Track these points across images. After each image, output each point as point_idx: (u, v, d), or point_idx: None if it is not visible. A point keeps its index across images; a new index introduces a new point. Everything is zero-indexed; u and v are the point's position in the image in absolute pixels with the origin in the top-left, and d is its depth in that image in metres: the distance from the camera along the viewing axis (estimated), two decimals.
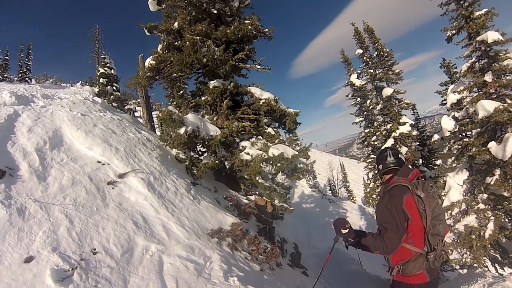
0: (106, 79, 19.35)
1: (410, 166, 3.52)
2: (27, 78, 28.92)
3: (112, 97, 18.43)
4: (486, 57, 8.41)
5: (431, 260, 2.87)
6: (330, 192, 40.94)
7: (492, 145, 8.04)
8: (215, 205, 7.36)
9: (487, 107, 7.84)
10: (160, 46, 9.44)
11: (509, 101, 8.00)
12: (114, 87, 19.52)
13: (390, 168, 3.25)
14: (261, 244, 7.07)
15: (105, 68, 19.60)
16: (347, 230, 3.14)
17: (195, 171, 7.92)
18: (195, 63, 8.71)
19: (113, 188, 5.81)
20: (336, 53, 17.34)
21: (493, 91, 8.22)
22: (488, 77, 8.21)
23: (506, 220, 8.58)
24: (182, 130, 7.47)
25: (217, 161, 8.28)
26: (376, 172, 14.82)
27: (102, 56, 20.27)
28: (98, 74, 19.60)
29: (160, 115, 7.43)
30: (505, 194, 8.16)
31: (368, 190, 17.19)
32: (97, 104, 9.45)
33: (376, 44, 14.07)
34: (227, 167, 8.86)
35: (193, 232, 5.68)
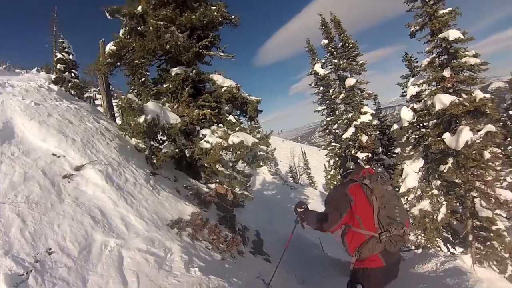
0: (64, 65, 18.23)
1: (363, 165, 3.91)
2: None
3: (70, 84, 17.52)
4: (446, 54, 8.71)
5: (385, 241, 3.10)
6: (291, 179, 41.62)
7: (446, 136, 8.42)
8: (175, 194, 7.31)
9: (443, 100, 8.19)
10: (122, 31, 9.04)
11: (464, 96, 8.35)
12: (73, 74, 18.51)
13: (349, 171, 3.73)
14: (221, 232, 7.15)
15: (63, 53, 18.39)
16: (302, 209, 3.60)
17: (155, 161, 7.87)
18: (158, 50, 8.51)
19: (69, 182, 5.59)
20: (303, 43, 17.29)
21: (450, 85, 8.53)
22: (447, 73, 8.52)
23: (457, 204, 9.10)
24: (141, 119, 7.34)
25: (177, 150, 8.26)
26: (336, 160, 15.40)
27: (60, 40, 18.96)
28: (56, 59, 18.43)
29: (120, 103, 7.21)
30: (457, 181, 8.62)
31: (329, 177, 17.72)
32: (53, 92, 8.95)
33: (342, 35, 14.23)
34: (187, 155, 8.81)
35: (152, 223, 5.64)
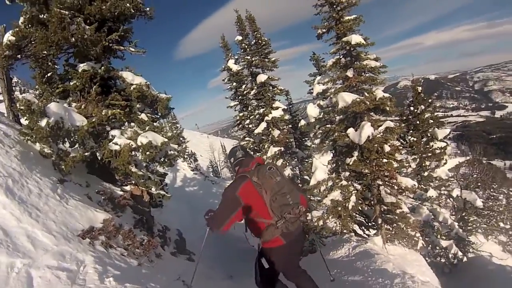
0: None
1: (252, 155, 4.39)
2: None
3: None
4: (349, 56, 9.42)
5: (281, 227, 3.52)
6: (212, 173, 41.68)
7: (350, 131, 9.18)
8: (85, 202, 6.90)
9: (346, 98, 8.88)
10: (21, 19, 8.09)
11: (366, 95, 9.15)
12: None
13: (238, 160, 3.99)
14: (137, 237, 6.99)
15: None
16: (208, 216, 3.95)
17: (63, 167, 7.27)
18: (62, 42, 7.81)
19: None
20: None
21: (354, 84, 9.29)
22: (350, 73, 9.26)
23: (367, 191, 10.01)
24: (43, 122, 6.72)
25: (87, 153, 7.81)
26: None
27: None
28: None
29: (18, 105, 6.56)
30: (363, 171, 9.44)
31: None
32: None
33: (256, 33, 14.57)
34: (99, 158, 8.37)
35: (61, 236, 5.29)
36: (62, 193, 6.49)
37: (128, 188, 8.97)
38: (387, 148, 8.88)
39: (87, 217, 6.33)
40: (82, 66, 8.13)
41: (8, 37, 8.03)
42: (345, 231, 10.04)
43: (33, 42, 8.14)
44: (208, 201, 24.47)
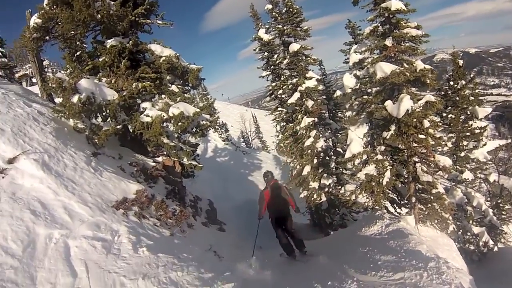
0: None
1: (272, 178, 8.34)
2: None
3: None
4: (388, 23, 8.68)
5: (273, 209, 7.75)
6: (244, 144, 41.77)
7: (388, 103, 8.59)
8: (118, 173, 7.13)
9: (384, 69, 8.25)
10: (46, 1, 8.15)
11: (406, 66, 8.43)
12: (0, 53, 16.67)
13: (266, 179, 8.31)
14: (169, 207, 7.17)
15: None
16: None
17: (96, 140, 7.48)
18: (88, 20, 7.80)
19: (3, 178, 5.22)
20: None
21: (392, 54, 8.58)
22: (389, 42, 8.54)
23: (402, 168, 9.53)
24: (75, 98, 6.91)
25: (119, 126, 7.94)
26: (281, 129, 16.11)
27: None
28: None
29: (50, 84, 6.74)
30: (400, 146, 9.04)
31: (278, 141, 18.09)
32: None
33: (286, 1, 13.80)
34: (131, 131, 8.53)
35: (97, 207, 5.49)
36: (96, 166, 6.71)
37: (160, 159, 9.16)
38: (426, 123, 8.30)
39: (121, 189, 6.51)
40: (110, 42, 8.18)
41: (35, 20, 8.15)
42: (377, 207, 9.73)
43: (59, 23, 8.20)
44: (239, 171, 24.66)
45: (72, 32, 8.32)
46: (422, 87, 8.85)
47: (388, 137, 9.04)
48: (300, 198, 13.76)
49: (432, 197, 8.91)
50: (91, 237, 4.76)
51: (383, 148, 9.50)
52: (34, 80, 17.96)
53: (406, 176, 9.41)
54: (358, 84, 9.50)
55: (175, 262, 4.99)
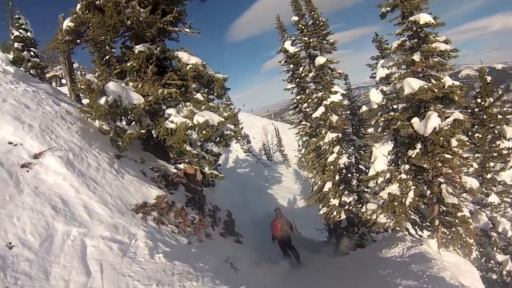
0: (22, 43, 16.69)
1: (280, 212, 10.96)
2: None
3: (30, 64, 16.19)
4: (416, 37, 8.46)
5: (280, 237, 10.37)
6: (265, 156, 41.49)
7: (415, 120, 8.32)
8: (140, 177, 7.15)
9: (412, 84, 8.00)
10: (79, 6, 8.46)
11: (434, 82, 8.16)
12: (32, 53, 17.03)
13: (276, 213, 10.93)
14: (188, 215, 7.12)
15: (20, 30, 16.83)
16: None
17: (120, 143, 7.57)
18: (119, 26, 8.04)
19: (28, 171, 5.34)
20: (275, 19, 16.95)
21: (420, 70, 8.32)
22: (417, 57, 8.30)
23: (425, 188, 9.19)
24: (102, 100, 7.05)
25: (143, 131, 8.01)
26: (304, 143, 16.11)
27: (17, 17, 17.25)
28: (13, 37, 16.83)
29: (79, 85, 6.90)
30: (425, 166, 8.69)
31: (300, 155, 17.86)
32: (9, 74, 8.37)
33: (313, 13, 13.70)
34: (154, 136, 8.63)
35: (116, 209, 5.51)
36: (118, 168, 6.77)
37: (181, 166, 9.16)
38: (454, 142, 7.98)
39: (141, 193, 6.51)
40: (138, 48, 8.36)
41: (67, 23, 8.43)
42: (398, 228, 9.39)
43: (91, 27, 8.50)
44: (259, 183, 24.43)
45: (103, 36, 8.56)
46: (449, 104, 8.53)
47: (413, 155, 8.69)
48: (319, 215, 13.48)
49: (456, 221, 8.49)
50: (109, 238, 4.75)
51: (407, 167, 9.15)
52: (63, 81, 18.49)
53: (430, 197, 9.02)
54: (385, 100, 9.26)
55: (191, 271, 4.91)
